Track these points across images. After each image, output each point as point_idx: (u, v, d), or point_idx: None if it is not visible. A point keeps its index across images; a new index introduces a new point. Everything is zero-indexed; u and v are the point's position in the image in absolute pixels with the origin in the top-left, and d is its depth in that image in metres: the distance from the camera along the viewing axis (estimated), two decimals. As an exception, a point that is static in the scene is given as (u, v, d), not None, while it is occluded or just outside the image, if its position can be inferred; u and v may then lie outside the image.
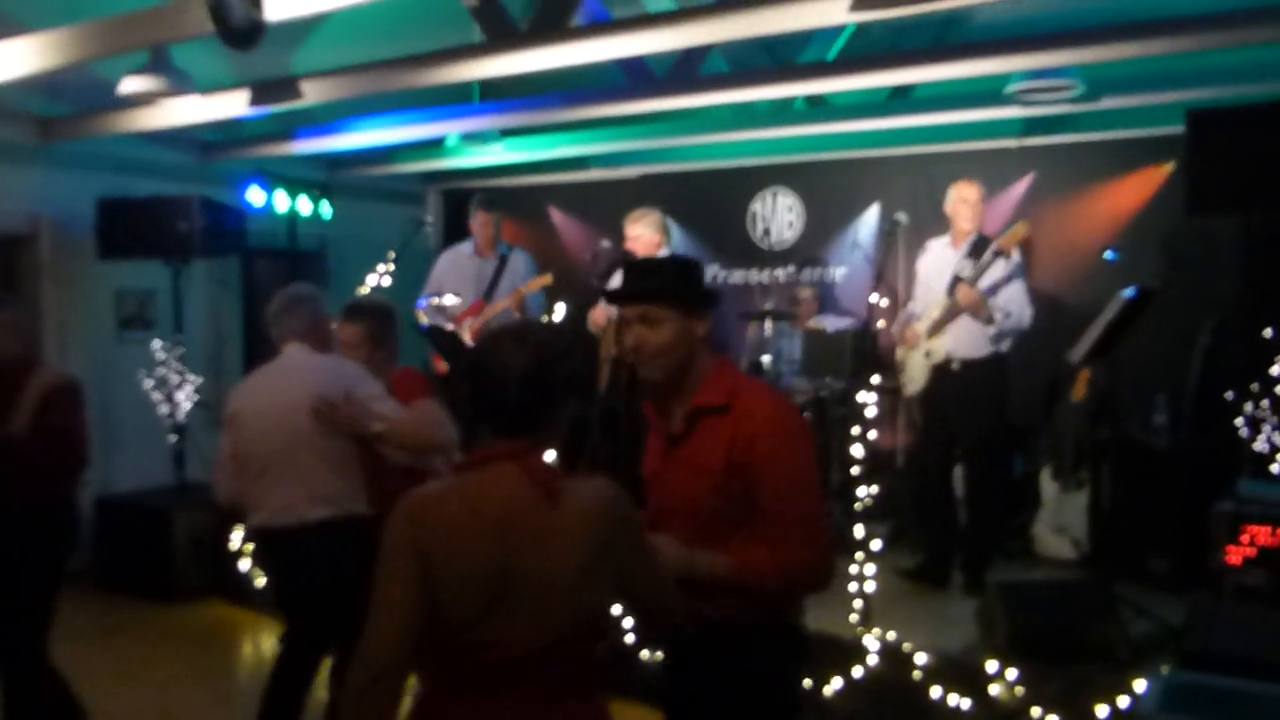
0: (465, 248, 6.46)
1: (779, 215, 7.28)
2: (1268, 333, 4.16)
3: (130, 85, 4.82)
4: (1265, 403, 4.10)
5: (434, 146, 7.24)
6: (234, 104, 5.39)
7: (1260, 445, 4.15)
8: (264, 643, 5.65)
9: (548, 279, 6.07)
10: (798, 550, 2.28)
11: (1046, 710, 3.93)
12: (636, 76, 5.53)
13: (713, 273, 7.45)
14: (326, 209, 7.23)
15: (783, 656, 2.44)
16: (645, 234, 5.86)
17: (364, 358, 3.80)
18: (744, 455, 2.29)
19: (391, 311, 4.00)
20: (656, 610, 2.16)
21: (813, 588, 2.38)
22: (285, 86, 5.23)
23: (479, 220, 6.28)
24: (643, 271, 2.55)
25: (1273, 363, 4.11)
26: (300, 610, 3.74)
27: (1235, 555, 4.59)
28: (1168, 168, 5.88)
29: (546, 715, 1.92)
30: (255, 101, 5.34)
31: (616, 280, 5.87)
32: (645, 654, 4.77)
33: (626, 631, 4.83)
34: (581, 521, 1.93)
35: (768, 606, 2.34)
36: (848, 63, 5.21)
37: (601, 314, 5.86)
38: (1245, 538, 4.57)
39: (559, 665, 1.92)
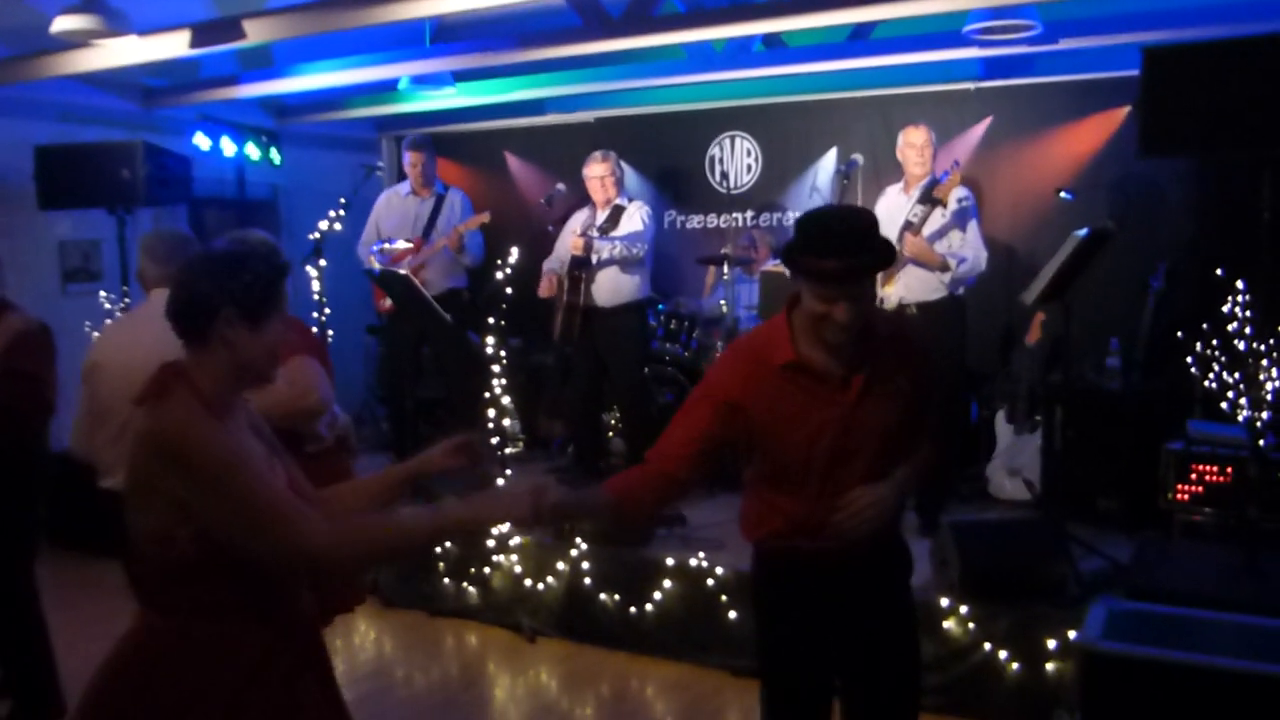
0: (402, 187, 6.45)
1: (737, 160, 7.22)
2: (1219, 273, 4.17)
3: (63, 24, 4.65)
4: (1215, 343, 4.12)
5: (386, 92, 7.09)
6: (174, 45, 5.23)
7: (1210, 384, 4.18)
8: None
9: (485, 217, 6.05)
10: (944, 437, 2.78)
11: (998, 646, 3.99)
12: (591, 17, 5.43)
13: (671, 217, 7.40)
14: (276, 156, 7.08)
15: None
16: (606, 176, 5.81)
17: None
18: (917, 372, 2.48)
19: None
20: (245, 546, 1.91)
21: None
22: (227, 27, 5.08)
23: (408, 159, 6.28)
24: (857, 242, 2.30)
25: (1223, 303, 4.12)
26: None
27: (1184, 493, 4.67)
28: (1124, 111, 5.88)
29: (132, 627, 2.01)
30: (197, 43, 5.18)
31: (589, 219, 5.88)
32: (603, 596, 4.79)
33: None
34: (138, 443, 1.96)
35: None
36: (805, 1, 5.13)
37: (550, 279, 5.85)
38: (1194, 476, 4.65)
39: (135, 583, 2.02)
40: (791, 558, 2.51)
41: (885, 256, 2.35)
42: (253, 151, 6.91)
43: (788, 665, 2.59)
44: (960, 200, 5.14)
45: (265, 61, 6.45)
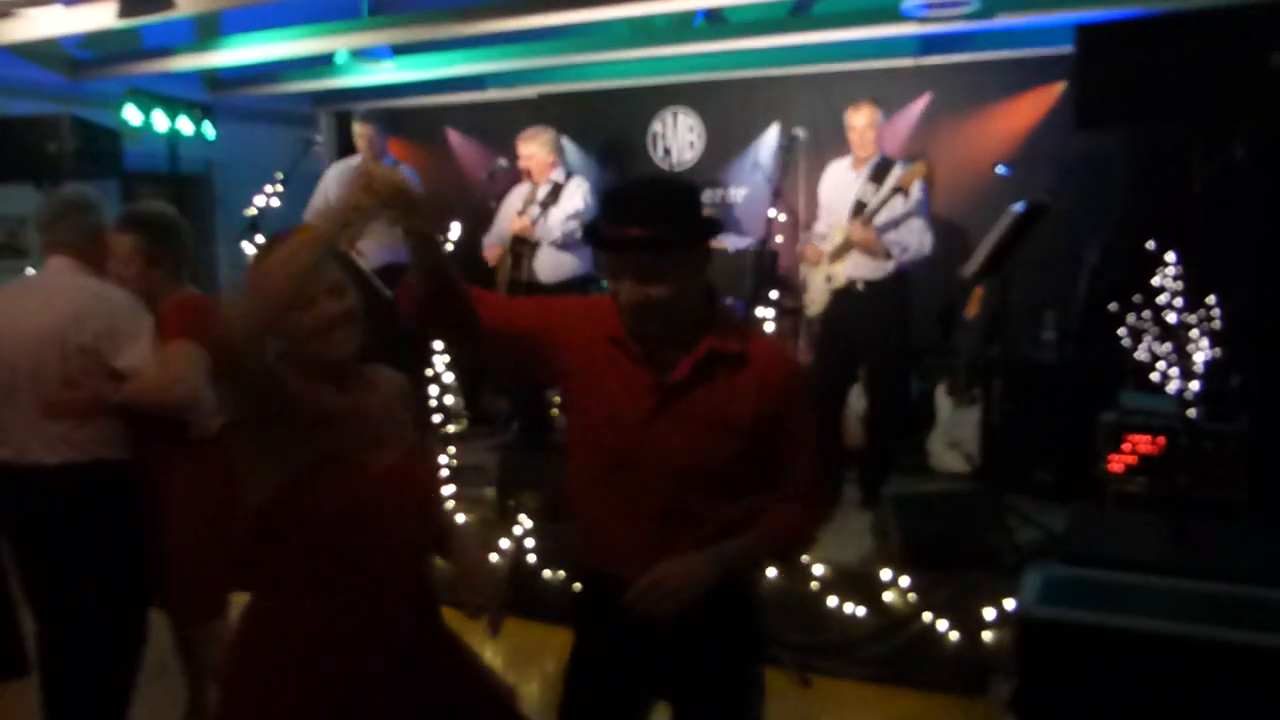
0: (354, 160, 6.38)
1: (680, 135, 7.20)
2: (1150, 244, 4.25)
3: (-17, -8, 4.50)
4: (1146, 315, 4.21)
5: (323, 65, 6.96)
6: (101, 15, 5.08)
7: (1142, 355, 4.27)
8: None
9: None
10: (819, 502, 2.23)
11: (937, 615, 4.06)
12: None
13: (614, 195, 7.36)
14: (210, 130, 6.91)
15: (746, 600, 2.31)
16: (539, 153, 5.77)
17: (135, 275, 3.26)
18: (772, 410, 2.08)
19: (172, 224, 3.36)
20: None
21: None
22: (157, -4, 4.94)
23: (357, 133, 6.24)
24: (641, 209, 2.00)
25: (1154, 274, 4.21)
26: (41, 578, 3.23)
27: (1117, 463, 4.76)
28: (1060, 87, 5.95)
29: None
30: (125, 12, 5.02)
31: (562, 202, 5.78)
32: (548, 573, 4.78)
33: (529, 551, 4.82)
34: None
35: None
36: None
37: (495, 249, 5.79)
38: (1127, 446, 4.75)
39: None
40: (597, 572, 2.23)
41: (682, 233, 2.01)
42: (185, 126, 6.73)
43: (586, 681, 2.28)
44: (919, 190, 5.17)
45: (192, 33, 6.30)
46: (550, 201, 5.76)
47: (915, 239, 5.14)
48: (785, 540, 2.20)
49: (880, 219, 5.09)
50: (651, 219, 1.99)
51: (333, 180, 6.39)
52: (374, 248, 6.07)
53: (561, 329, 2.19)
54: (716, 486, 2.10)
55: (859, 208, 5.15)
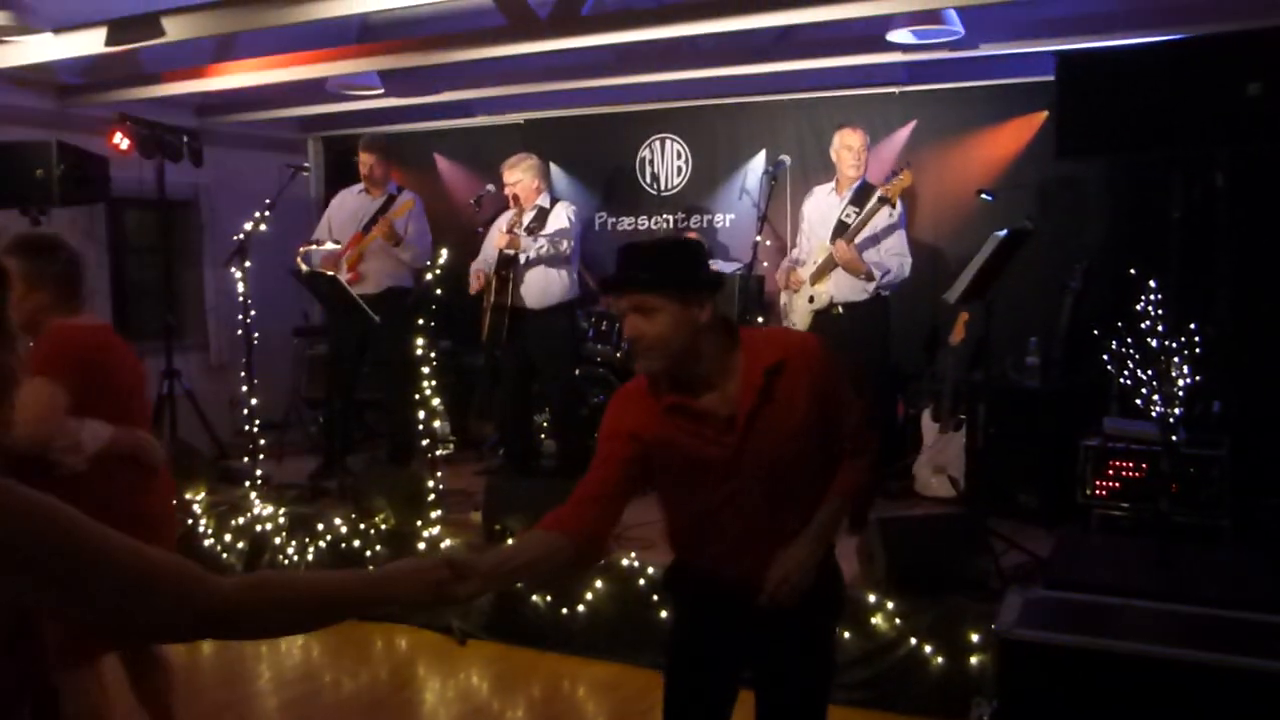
0: (356, 187, 6.41)
1: (668, 162, 7.25)
2: (1132, 271, 4.29)
3: (-28, 19, 4.53)
4: (1129, 340, 4.24)
5: (311, 91, 6.99)
6: (90, 42, 5.11)
7: (1124, 381, 4.29)
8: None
9: (410, 202, 6.08)
10: (868, 438, 2.44)
11: (922, 640, 4.05)
12: (517, 18, 5.40)
13: (601, 219, 7.40)
14: (198, 156, 6.93)
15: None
16: (524, 179, 5.80)
17: (17, 301, 2.97)
18: (822, 390, 2.34)
19: (53, 248, 3.20)
20: None
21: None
22: (146, 24, 4.97)
23: (361, 159, 6.25)
24: (637, 259, 2.32)
25: (1136, 300, 4.24)
26: None
27: (1101, 489, 4.79)
28: (1043, 115, 6.01)
29: None
30: (113, 40, 5.07)
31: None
32: (534, 598, 4.77)
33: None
34: None
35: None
36: (731, 3, 5.17)
37: (479, 276, 5.81)
38: (1110, 472, 4.78)
39: None
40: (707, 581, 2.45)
41: (673, 278, 2.26)
42: (173, 151, 6.75)
43: (690, 665, 2.52)
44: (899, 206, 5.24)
45: (180, 60, 6.33)
46: (537, 226, 5.78)
47: (895, 262, 5.19)
48: (857, 496, 2.49)
49: (861, 237, 5.14)
50: (646, 264, 2.29)
51: (335, 206, 6.39)
52: (376, 271, 6.10)
53: (636, 431, 2.36)
54: (805, 477, 2.37)
55: (840, 228, 5.20)
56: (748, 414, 2.29)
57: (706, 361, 2.31)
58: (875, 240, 5.19)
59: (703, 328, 2.28)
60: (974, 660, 3.95)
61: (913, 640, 4.07)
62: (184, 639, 1.69)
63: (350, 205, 6.31)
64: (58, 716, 3.19)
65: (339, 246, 6.12)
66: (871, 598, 4.17)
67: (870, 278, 5.14)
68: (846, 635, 4.16)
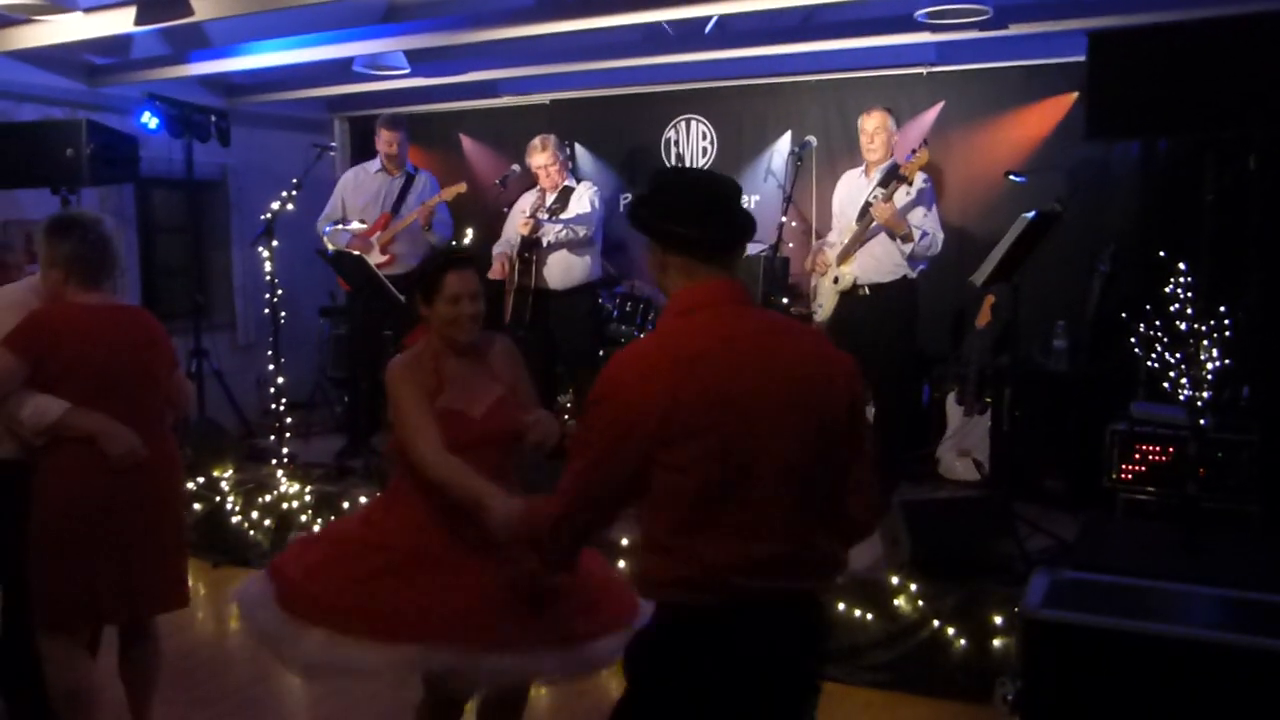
0: (371, 165, 6.42)
1: (693, 143, 7.22)
2: (1161, 254, 4.25)
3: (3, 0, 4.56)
4: (1157, 324, 4.20)
5: (338, 71, 7.00)
6: (119, 21, 5.14)
7: (1153, 364, 4.26)
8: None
9: (461, 186, 6.06)
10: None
11: (946, 623, 4.05)
12: (544, -3, 5.40)
13: (625, 200, 7.38)
14: (225, 136, 6.97)
15: None
16: (549, 162, 5.80)
17: (42, 277, 3.31)
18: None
19: (67, 229, 3.25)
20: None
21: None
22: (174, 3, 4.98)
23: (381, 138, 6.27)
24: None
25: (1165, 283, 4.20)
26: None
27: (1127, 473, 4.76)
28: (1073, 96, 5.94)
29: None
30: (142, 19, 5.08)
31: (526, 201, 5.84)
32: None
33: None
34: None
35: None
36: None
37: (502, 260, 5.82)
38: (1137, 456, 4.74)
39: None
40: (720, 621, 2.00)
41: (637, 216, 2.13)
42: (201, 131, 6.79)
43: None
44: (923, 181, 5.19)
45: (210, 40, 6.35)
46: (559, 208, 5.78)
47: (932, 227, 5.16)
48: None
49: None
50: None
51: (349, 184, 6.42)
52: (402, 254, 6.11)
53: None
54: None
55: (868, 208, 5.17)
56: None
57: None
58: (904, 214, 5.15)
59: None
60: (997, 643, 3.94)
61: (936, 623, 4.07)
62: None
63: (369, 185, 6.32)
64: (43, 683, 3.30)
65: (365, 226, 6.14)
66: (895, 580, 4.17)
67: (909, 239, 5.09)
68: (869, 617, 4.17)
